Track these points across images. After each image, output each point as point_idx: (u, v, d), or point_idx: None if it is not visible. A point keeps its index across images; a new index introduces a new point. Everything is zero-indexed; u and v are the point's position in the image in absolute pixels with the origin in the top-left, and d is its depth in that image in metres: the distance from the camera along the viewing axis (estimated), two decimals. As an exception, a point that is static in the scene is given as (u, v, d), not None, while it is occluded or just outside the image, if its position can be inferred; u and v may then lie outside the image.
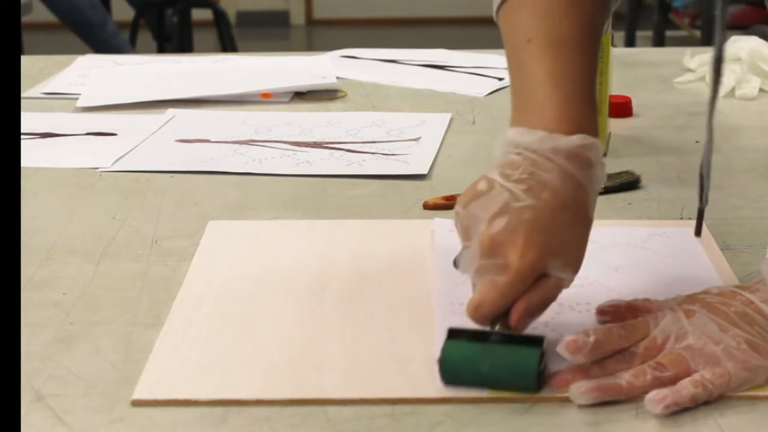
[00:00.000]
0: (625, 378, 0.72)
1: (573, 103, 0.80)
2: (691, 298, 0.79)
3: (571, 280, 0.77)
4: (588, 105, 0.81)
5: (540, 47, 0.81)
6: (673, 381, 0.72)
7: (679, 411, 0.70)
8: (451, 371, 0.73)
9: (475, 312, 0.75)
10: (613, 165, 1.21)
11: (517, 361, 0.73)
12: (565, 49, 0.81)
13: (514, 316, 0.75)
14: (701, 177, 0.92)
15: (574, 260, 0.78)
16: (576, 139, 0.78)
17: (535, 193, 0.76)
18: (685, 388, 0.70)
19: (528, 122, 0.79)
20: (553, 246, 0.76)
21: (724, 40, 0.84)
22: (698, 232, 0.96)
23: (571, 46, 0.81)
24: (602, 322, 0.80)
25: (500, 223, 0.76)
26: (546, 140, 0.78)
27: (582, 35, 0.82)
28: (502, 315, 0.75)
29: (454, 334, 0.75)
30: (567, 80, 0.81)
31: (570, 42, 0.81)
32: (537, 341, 0.74)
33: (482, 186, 0.78)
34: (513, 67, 0.83)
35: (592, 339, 0.74)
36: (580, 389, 0.71)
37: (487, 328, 0.75)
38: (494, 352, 0.73)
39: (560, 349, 0.74)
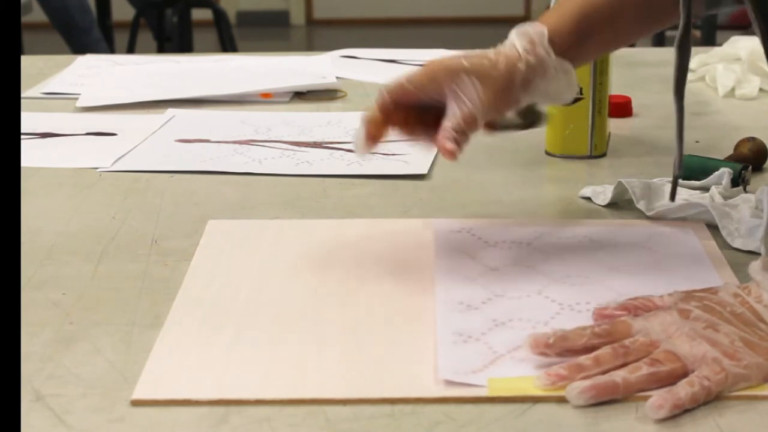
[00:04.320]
0: (620, 375, 0.72)
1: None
2: (688, 297, 0.79)
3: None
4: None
5: None
6: (669, 376, 0.72)
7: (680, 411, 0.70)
8: None
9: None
10: (613, 165, 1.21)
11: None
12: None
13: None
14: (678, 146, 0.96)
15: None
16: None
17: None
18: (683, 389, 0.70)
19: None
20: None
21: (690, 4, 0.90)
22: (673, 198, 1.01)
23: None
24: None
25: None
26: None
27: None
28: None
29: None
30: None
31: None
32: None
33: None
34: None
35: (556, 335, 0.75)
36: (575, 390, 0.71)
37: None
38: None
39: (525, 346, 0.75)
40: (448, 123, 0.91)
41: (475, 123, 0.92)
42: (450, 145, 0.90)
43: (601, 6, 0.99)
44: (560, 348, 0.75)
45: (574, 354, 0.75)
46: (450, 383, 0.73)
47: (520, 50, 0.95)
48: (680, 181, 1.08)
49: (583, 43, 0.99)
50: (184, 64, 1.73)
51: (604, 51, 1.13)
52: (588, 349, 0.75)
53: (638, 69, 1.64)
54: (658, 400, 0.70)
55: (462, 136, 0.91)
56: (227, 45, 4.10)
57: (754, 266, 0.81)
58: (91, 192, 1.14)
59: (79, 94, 1.53)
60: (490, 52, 0.95)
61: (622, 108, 1.40)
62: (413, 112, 0.94)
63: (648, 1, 0.99)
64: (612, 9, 1.00)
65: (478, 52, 0.95)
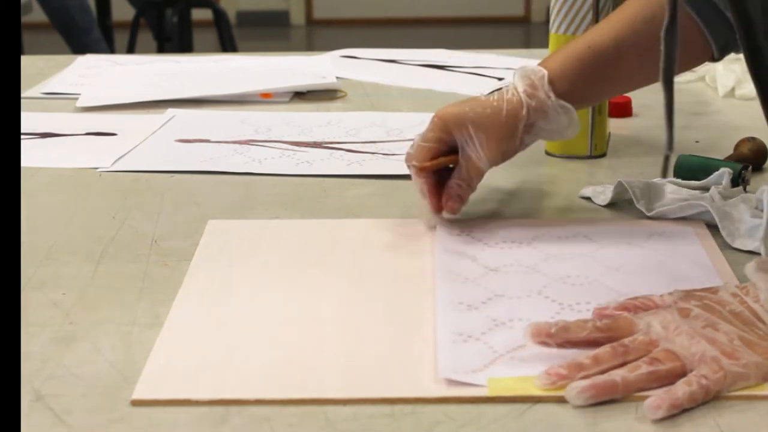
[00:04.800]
0: (620, 374, 0.72)
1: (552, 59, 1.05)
2: (688, 296, 0.79)
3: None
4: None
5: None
6: (668, 375, 0.72)
7: (678, 411, 0.70)
8: None
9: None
10: (613, 165, 1.21)
11: None
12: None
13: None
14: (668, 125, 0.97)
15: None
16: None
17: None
18: (681, 389, 0.70)
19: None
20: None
21: None
22: (664, 174, 1.02)
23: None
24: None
25: None
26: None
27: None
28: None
29: None
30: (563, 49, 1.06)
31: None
32: None
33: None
34: None
35: (558, 325, 0.75)
36: (575, 390, 0.71)
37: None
38: None
39: (524, 335, 0.75)
40: (453, 181, 1.00)
41: (480, 174, 1.01)
42: (451, 204, 1.00)
43: (605, 51, 1.02)
44: (561, 338, 0.75)
45: (575, 346, 0.75)
46: (450, 383, 0.73)
47: (522, 95, 1.00)
48: (680, 181, 1.09)
49: (586, 85, 1.04)
50: (184, 64, 1.73)
51: (612, 92, 1.18)
52: (589, 343, 0.75)
53: (638, 69, 1.64)
54: (656, 400, 0.70)
55: (467, 189, 1.01)
56: (227, 45, 4.09)
57: (750, 267, 0.81)
58: (91, 192, 1.14)
59: (79, 94, 1.53)
60: (493, 98, 1.00)
61: (622, 108, 1.40)
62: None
63: (652, 48, 0.99)
64: (616, 54, 1.03)
65: (482, 99, 1.01)
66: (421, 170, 1.00)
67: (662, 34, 0.92)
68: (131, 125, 1.38)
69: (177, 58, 1.83)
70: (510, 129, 1.00)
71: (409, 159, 1.01)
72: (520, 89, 1.00)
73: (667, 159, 1.02)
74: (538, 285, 0.88)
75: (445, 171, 1.02)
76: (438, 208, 1.01)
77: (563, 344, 0.75)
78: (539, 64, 1.03)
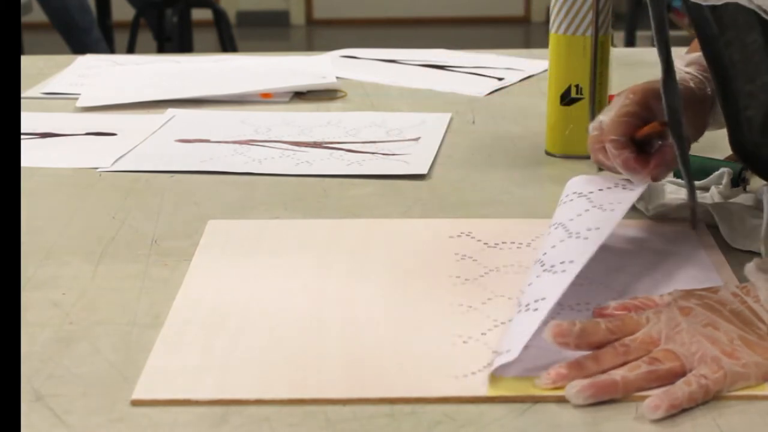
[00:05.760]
0: (620, 374, 0.72)
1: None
2: (688, 295, 0.80)
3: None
4: None
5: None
6: (668, 375, 0.72)
7: (678, 411, 0.70)
8: None
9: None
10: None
11: None
12: None
13: None
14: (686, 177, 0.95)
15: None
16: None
17: None
18: (680, 389, 0.70)
19: None
20: None
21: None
22: (694, 226, 0.98)
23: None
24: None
25: None
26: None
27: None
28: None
29: None
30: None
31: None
32: None
33: None
34: None
35: (577, 327, 0.75)
36: (574, 388, 0.71)
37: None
38: None
39: (545, 333, 0.75)
40: (669, 148, 0.93)
41: (690, 144, 0.98)
42: (661, 171, 0.94)
43: None
44: (581, 341, 0.75)
45: (590, 348, 0.75)
46: (450, 383, 0.73)
47: (704, 79, 1.01)
48: (680, 181, 1.09)
49: None
50: (184, 64, 1.73)
51: None
52: (601, 346, 0.75)
53: (638, 69, 1.64)
54: (655, 400, 0.70)
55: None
56: (227, 45, 4.10)
57: (749, 267, 0.81)
58: (91, 192, 1.14)
59: (79, 94, 1.53)
60: (680, 79, 0.98)
61: (622, 108, 1.40)
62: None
63: None
64: None
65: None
66: (626, 143, 0.94)
67: (660, 88, 0.90)
68: (131, 125, 1.38)
69: (177, 58, 1.83)
70: (702, 106, 1.01)
71: (599, 139, 0.96)
72: (700, 74, 1.01)
73: (693, 211, 0.96)
74: (538, 285, 0.88)
75: (640, 144, 0.96)
76: (644, 178, 0.94)
77: (581, 345, 0.75)
78: (689, 52, 1.06)
